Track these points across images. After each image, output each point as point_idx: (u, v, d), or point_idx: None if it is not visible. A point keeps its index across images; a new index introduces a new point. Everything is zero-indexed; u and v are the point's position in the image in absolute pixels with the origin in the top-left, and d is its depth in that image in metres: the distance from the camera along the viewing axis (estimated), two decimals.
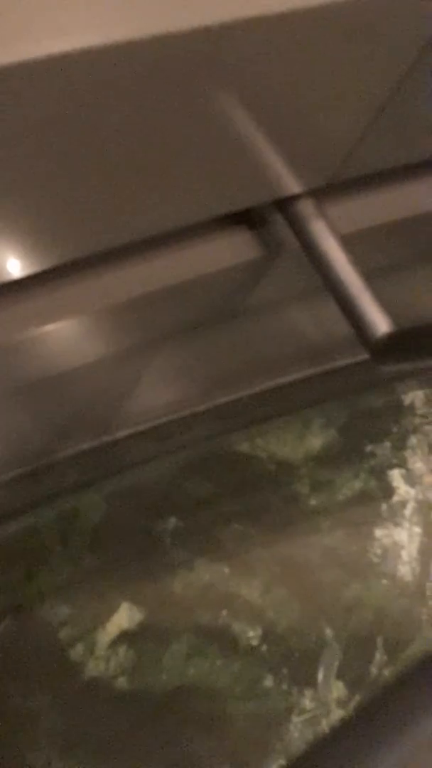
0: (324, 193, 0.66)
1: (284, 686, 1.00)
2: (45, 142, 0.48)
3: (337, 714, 1.00)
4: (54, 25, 0.44)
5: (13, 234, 0.54)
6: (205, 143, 0.54)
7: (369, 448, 1.12)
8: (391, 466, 1.11)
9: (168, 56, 0.47)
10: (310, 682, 1.01)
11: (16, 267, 0.57)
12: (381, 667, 1.02)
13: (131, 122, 0.49)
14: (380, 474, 1.11)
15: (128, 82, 0.46)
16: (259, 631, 1.02)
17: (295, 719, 1.00)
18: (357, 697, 1.02)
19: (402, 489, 1.11)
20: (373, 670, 1.03)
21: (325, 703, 1.01)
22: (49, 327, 0.66)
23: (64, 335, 0.70)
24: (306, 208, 0.66)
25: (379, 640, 1.03)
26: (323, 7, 0.49)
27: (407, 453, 1.12)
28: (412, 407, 1.14)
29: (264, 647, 1.01)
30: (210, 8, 0.47)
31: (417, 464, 1.12)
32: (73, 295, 0.66)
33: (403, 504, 1.10)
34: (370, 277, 0.66)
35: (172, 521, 1.07)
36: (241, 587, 1.04)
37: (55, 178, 0.51)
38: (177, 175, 0.56)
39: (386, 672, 1.01)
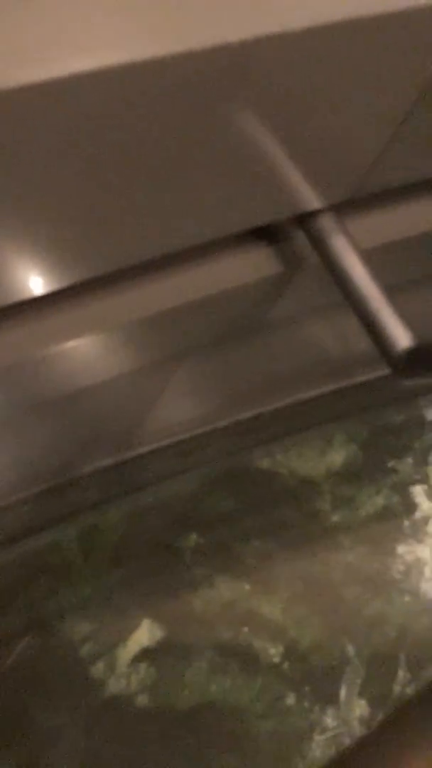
0: (345, 207, 0.66)
1: (306, 704, 0.99)
2: (66, 160, 0.48)
3: (360, 732, 0.99)
4: (75, 44, 0.44)
5: (37, 251, 0.54)
6: (227, 159, 0.54)
7: (391, 463, 1.12)
8: (414, 482, 1.11)
9: (189, 73, 0.47)
10: (333, 700, 1.00)
11: (39, 284, 0.58)
12: (404, 685, 1.01)
13: (152, 139, 0.49)
14: (402, 490, 1.10)
15: (149, 99, 0.46)
16: (281, 649, 1.01)
17: (318, 737, 0.99)
18: (380, 716, 1.01)
19: (425, 505, 1.10)
20: (396, 687, 1.02)
21: (348, 721, 1.00)
22: (71, 343, 0.66)
23: (86, 351, 0.70)
24: (327, 223, 0.66)
25: (402, 658, 1.02)
26: (344, 24, 0.49)
27: (430, 469, 1.12)
28: None
29: (286, 665, 1.01)
30: (231, 25, 0.47)
31: None
32: (96, 311, 0.67)
33: (426, 520, 1.09)
34: (391, 291, 0.66)
35: (193, 537, 1.07)
36: (263, 604, 1.04)
37: (77, 195, 0.51)
38: (199, 191, 0.56)
39: (409, 690, 1.00)
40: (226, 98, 0.49)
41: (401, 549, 1.07)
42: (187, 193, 0.56)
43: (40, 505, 0.93)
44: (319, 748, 0.98)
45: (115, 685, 0.98)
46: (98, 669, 0.99)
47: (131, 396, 0.85)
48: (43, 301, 0.62)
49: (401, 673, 1.02)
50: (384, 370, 0.67)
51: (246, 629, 1.02)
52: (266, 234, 0.70)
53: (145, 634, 1.01)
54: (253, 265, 0.69)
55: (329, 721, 0.99)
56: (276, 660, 1.01)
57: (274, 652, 1.01)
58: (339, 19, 0.49)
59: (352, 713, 1.00)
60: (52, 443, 0.86)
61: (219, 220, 0.61)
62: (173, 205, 0.56)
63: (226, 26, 0.46)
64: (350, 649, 1.03)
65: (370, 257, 0.67)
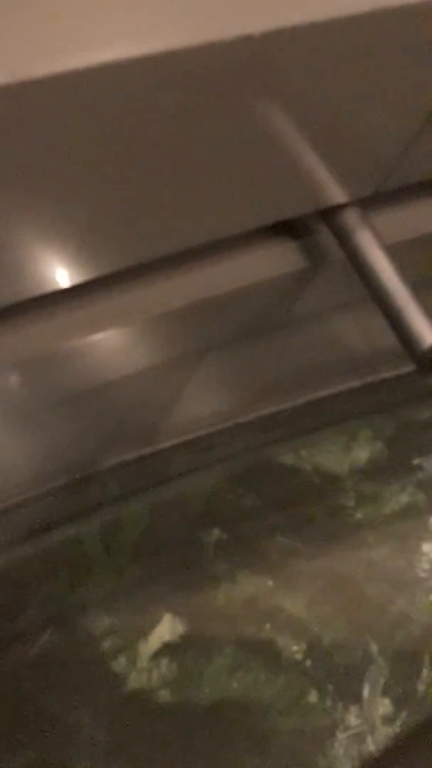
0: (370, 202, 0.65)
1: (329, 702, 0.99)
2: (94, 152, 0.48)
3: (383, 731, 0.98)
4: (99, 35, 0.43)
5: (63, 244, 0.54)
6: (252, 153, 0.53)
7: (416, 460, 1.10)
8: None
9: (213, 66, 0.46)
10: (356, 698, 0.99)
11: (64, 276, 0.57)
12: (428, 684, 1.00)
13: (177, 131, 0.48)
14: (428, 487, 1.09)
15: (174, 91, 0.46)
16: (304, 646, 1.01)
17: (340, 736, 0.98)
18: (403, 715, 1.00)
19: None
20: (420, 687, 1.01)
21: (371, 720, 0.99)
22: (95, 337, 0.66)
23: (110, 345, 0.69)
24: (351, 217, 0.65)
25: (426, 657, 1.01)
26: (370, 14, 0.49)
27: None
28: None
29: (308, 662, 1.00)
30: (255, 17, 0.47)
31: None
32: (119, 305, 0.66)
33: None
34: (416, 287, 0.65)
35: (216, 533, 1.06)
36: (286, 601, 1.03)
37: (104, 188, 0.50)
38: (224, 184, 0.55)
39: None
40: (251, 91, 0.49)
41: (426, 547, 1.06)
42: (213, 186, 0.55)
43: (62, 498, 0.93)
44: (341, 746, 0.97)
45: (136, 680, 0.97)
46: (119, 663, 0.98)
47: (154, 390, 0.85)
48: (68, 294, 0.61)
49: (425, 672, 1.01)
50: (409, 367, 0.66)
51: (268, 625, 1.02)
52: (290, 229, 0.69)
53: (166, 628, 1.01)
54: (277, 260, 0.69)
55: (352, 719, 0.98)
56: (299, 657, 1.00)
57: (296, 649, 1.01)
58: (365, 10, 0.48)
59: (375, 712, 0.99)
60: (75, 437, 0.86)
61: (244, 214, 0.60)
62: (199, 199, 0.56)
63: (249, 18, 0.45)
64: (374, 648, 1.02)
65: (396, 252, 0.66)
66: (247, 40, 0.46)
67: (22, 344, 0.63)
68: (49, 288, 0.59)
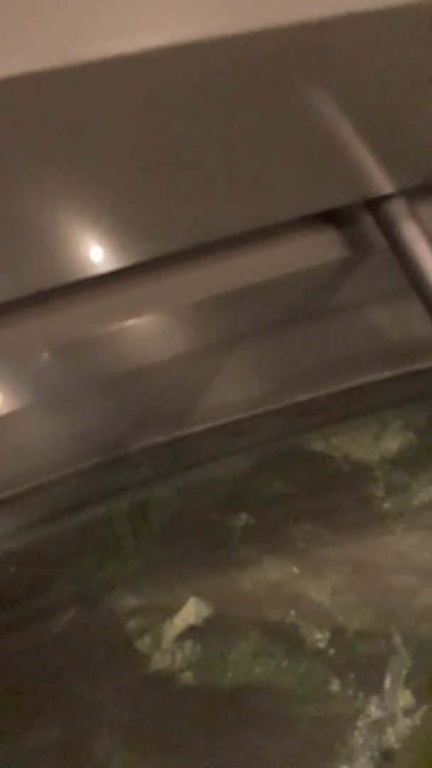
0: (417, 193, 0.64)
1: (350, 691, 0.98)
2: (133, 137, 0.47)
3: (404, 723, 0.98)
4: (146, 19, 0.43)
5: (104, 231, 0.54)
6: (300, 141, 0.53)
7: None
8: None
9: (266, 52, 0.45)
10: (377, 688, 0.99)
11: (102, 263, 0.57)
12: None
13: (228, 119, 0.48)
14: None
15: (227, 78, 0.45)
16: (327, 634, 1.01)
17: (360, 725, 0.98)
18: (424, 706, 1.00)
19: None
20: None
21: (392, 710, 0.99)
22: (131, 322, 0.66)
23: (145, 330, 0.69)
24: (397, 208, 0.64)
25: None
26: (427, 4, 0.48)
27: None
28: None
29: (331, 650, 1.00)
30: (307, 4, 0.46)
31: None
32: (153, 291, 0.66)
33: None
34: None
35: (243, 517, 1.06)
36: (311, 588, 1.03)
37: (148, 174, 0.50)
38: (270, 173, 0.55)
39: None
40: (304, 79, 0.48)
41: None
42: (258, 174, 0.54)
43: (93, 479, 0.93)
44: (361, 735, 0.97)
45: (160, 661, 0.98)
46: (144, 644, 0.99)
47: (188, 375, 0.85)
48: (105, 279, 0.61)
49: None
50: None
51: (293, 612, 1.02)
52: (333, 217, 0.68)
53: (191, 611, 1.01)
54: (319, 248, 0.68)
55: (373, 709, 0.98)
56: (322, 645, 1.00)
57: (320, 636, 1.00)
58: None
59: (396, 703, 0.99)
60: (108, 419, 0.86)
61: (288, 203, 0.60)
62: (243, 187, 0.55)
63: (305, 4, 0.45)
64: (397, 639, 1.01)
65: None
66: (302, 27, 0.45)
67: (59, 327, 0.63)
68: (87, 273, 0.59)
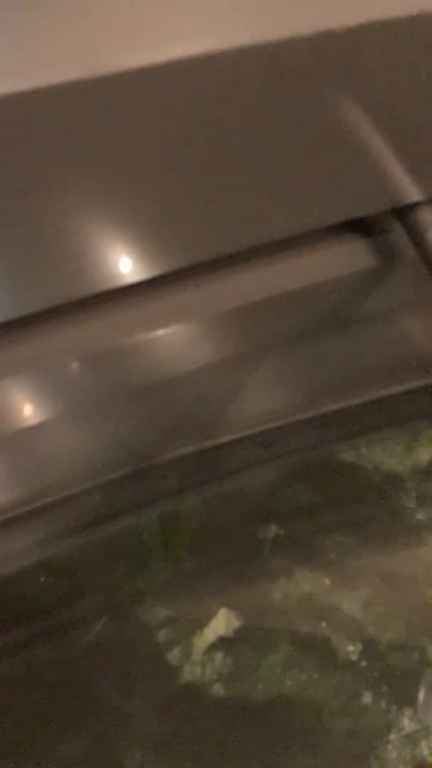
0: None
1: (383, 704, 0.98)
2: (163, 146, 0.48)
3: None
4: (174, 29, 0.43)
5: (134, 240, 0.54)
6: (328, 149, 0.53)
7: None
8: None
9: (292, 60, 0.45)
10: (411, 701, 0.98)
11: (132, 272, 0.57)
12: None
13: (254, 126, 0.48)
14: None
15: (255, 86, 0.45)
16: (359, 646, 1.00)
17: (394, 738, 0.97)
18: None
19: None
20: None
21: (426, 723, 0.98)
22: (159, 332, 0.66)
23: (173, 341, 0.69)
24: (427, 216, 0.64)
25: None
26: None
27: None
28: None
29: (363, 663, 0.99)
30: (335, 12, 0.46)
31: None
32: (183, 301, 0.66)
33: None
34: None
35: (273, 528, 1.06)
36: (342, 600, 1.02)
37: (176, 185, 0.50)
38: (298, 181, 0.54)
39: None
40: (331, 87, 0.48)
41: None
42: (286, 183, 0.54)
43: (123, 489, 0.93)
44: (395, 749, 0.96)
45: (190, 673, 0.98)
46: (174, 655, 0.99)
47: (216, 385, 0.85)
48: (136, 290, 0.62)
49: None
50: None
51: (324, 624, 1.01)
52: (362, 226, 0.68)
53: (222, 622, 1.01)
54: (348, 257, 0.68)
55: (406, 722, 0.97)
56: (354, 657, 0.99)
57: (352, 649, 1.00)
58: None
59: (429, 716, 0.98)
60: (137, 430, 0.86)
61: (316, 211, 0.59)
62: (270, 196, 0.55)
63: (332, 13, 0.45)
64: (430, 651, 1.00)
65: None
66: (330, 36, 0.45)
67: (90, 337, 0.64)
68: (118, 283, 0.59)
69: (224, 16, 0.44)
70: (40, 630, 1.01)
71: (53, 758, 0.93)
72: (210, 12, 0.43)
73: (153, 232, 0.55)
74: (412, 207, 0.64)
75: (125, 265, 0.57)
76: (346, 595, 1.02)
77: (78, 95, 0.42)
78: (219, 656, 0.99)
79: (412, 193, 0.62)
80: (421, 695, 0.98)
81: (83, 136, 0.45)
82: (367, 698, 0.98)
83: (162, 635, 0.99)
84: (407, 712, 0.98)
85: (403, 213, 0.65)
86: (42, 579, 1.02)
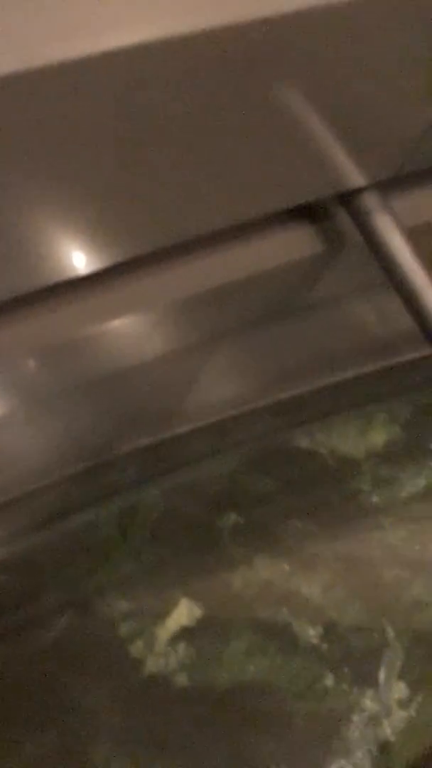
0: (389, 185, 0.65)
1: (345, 686, 0.99)
2: (108, 135, 0.48)
3: (399, 715, 0.98)
4: (113, 18, 0.43)
5: (79, 232, 0.54)
6: (269, 136, 0.53)
7: None
8: None
9: (229, 48, 0.46)
10: (372, 682, 1.00)
11: (81, 264, 0.57)
12: None
13: (194, 116, 0.48)
14: None
15: (189, 75, 0.45)
16: (320, 630, 1.01)
17: (356, 719, 0.98)
18: (419, 698, 1.00)
19: None
20: None
21: (387, 703, 0.99)
22: (111, 324, 0.66)
23: (126, 332, 0.69)
24: (370, 201, 0.65)
25: None
26: None
27: None
28: None
29: (324, 646, 1.00)
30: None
31: None
32: (134, 292, 0.66)
33: None
34: None
35: (232, 517, 1.06)
36: (302, 585, 1.03)
37: (120, 173, 0.50)
38: (241, 168, 0.55)
39: None
40: (268, 74, 0.48)
41: None
42: (229, 170, 0.55)
43: (80, 484, 0.93)
44: (357, 729, 0.98)
45: (153, 665, 0.98)
46: (137, 647, 0.99)
47: (171, 376, 0.85)
48: (85, 281, 0.62)
49: None
50: (426, 351, 0.66)
51: (285, 609, 1.02)
52: (307, 212, 0.68)
53: (183, 613, 1.01)
54: (295, 244, 0.69)
55: (368, 703, 0.98)
56: (315, 641, 1.00)
57: (312, 633, 1.01)
58: None
59: (391, 695, 0.99)
60: (92, 423, 0.86)
61: (262, 198, 0.60)
62: (214, 184, 0.55)
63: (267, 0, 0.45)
64: (390, 632, 1.02)
65: (415, 235, 0.65)
66: (268, 23, 0.45)
67: (41, 331, 0.63)
68: (67, 275, 0.59)
69: (163, 4, 0.44)
70: (2, 628, 1.01)
71: (22, 754, 0.93)
72: (143, 2, 0.43)
73: (101, 222, 0.55)
74: (356, 192, 0.65)
75: (74, 257, 0.57)
76: (305, 580, 1.03)
77: (17, 87, 0.42)
78: (182, 647, 0.99)
79: (356, 178, 0.62)
80: (382, 675, 1.00)
81: (26, 128, 0.44)
82: (329, 680, 0.99)
83: (124, 628, 0.99)
84: (369, 692, 0.99)
85: (348, 199, 0.66)
86: (2, 578, 1.01)
